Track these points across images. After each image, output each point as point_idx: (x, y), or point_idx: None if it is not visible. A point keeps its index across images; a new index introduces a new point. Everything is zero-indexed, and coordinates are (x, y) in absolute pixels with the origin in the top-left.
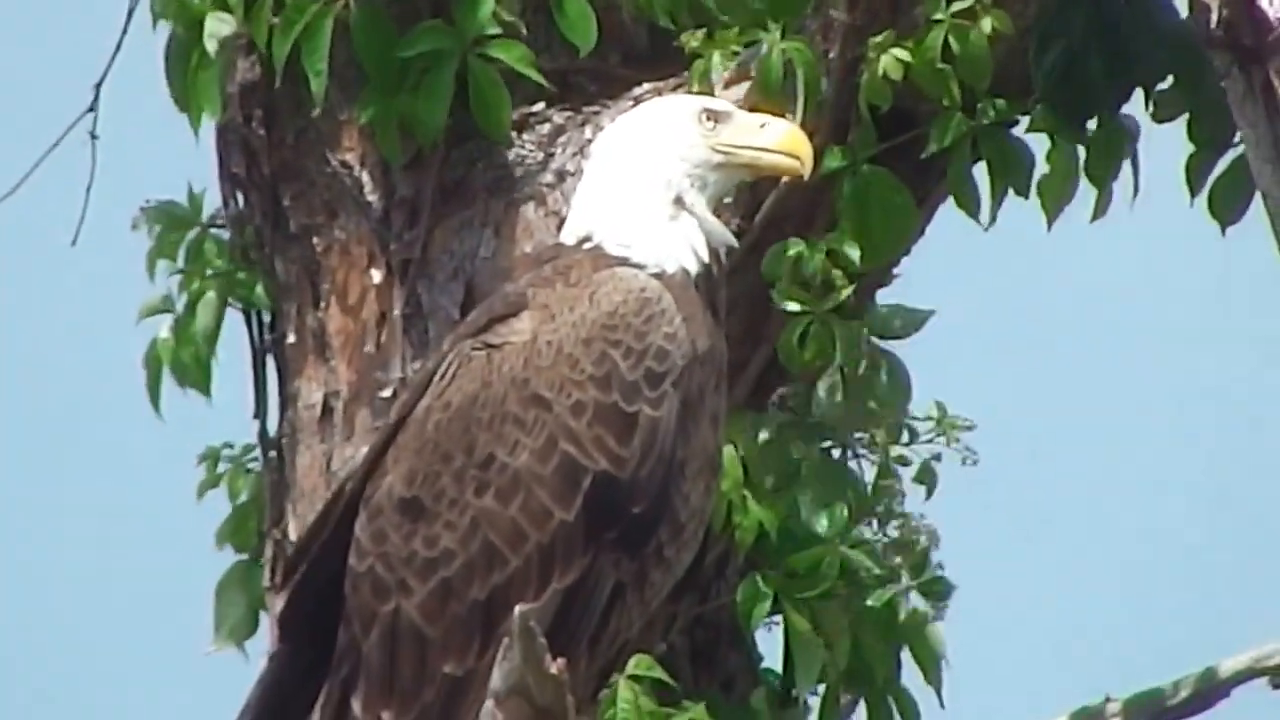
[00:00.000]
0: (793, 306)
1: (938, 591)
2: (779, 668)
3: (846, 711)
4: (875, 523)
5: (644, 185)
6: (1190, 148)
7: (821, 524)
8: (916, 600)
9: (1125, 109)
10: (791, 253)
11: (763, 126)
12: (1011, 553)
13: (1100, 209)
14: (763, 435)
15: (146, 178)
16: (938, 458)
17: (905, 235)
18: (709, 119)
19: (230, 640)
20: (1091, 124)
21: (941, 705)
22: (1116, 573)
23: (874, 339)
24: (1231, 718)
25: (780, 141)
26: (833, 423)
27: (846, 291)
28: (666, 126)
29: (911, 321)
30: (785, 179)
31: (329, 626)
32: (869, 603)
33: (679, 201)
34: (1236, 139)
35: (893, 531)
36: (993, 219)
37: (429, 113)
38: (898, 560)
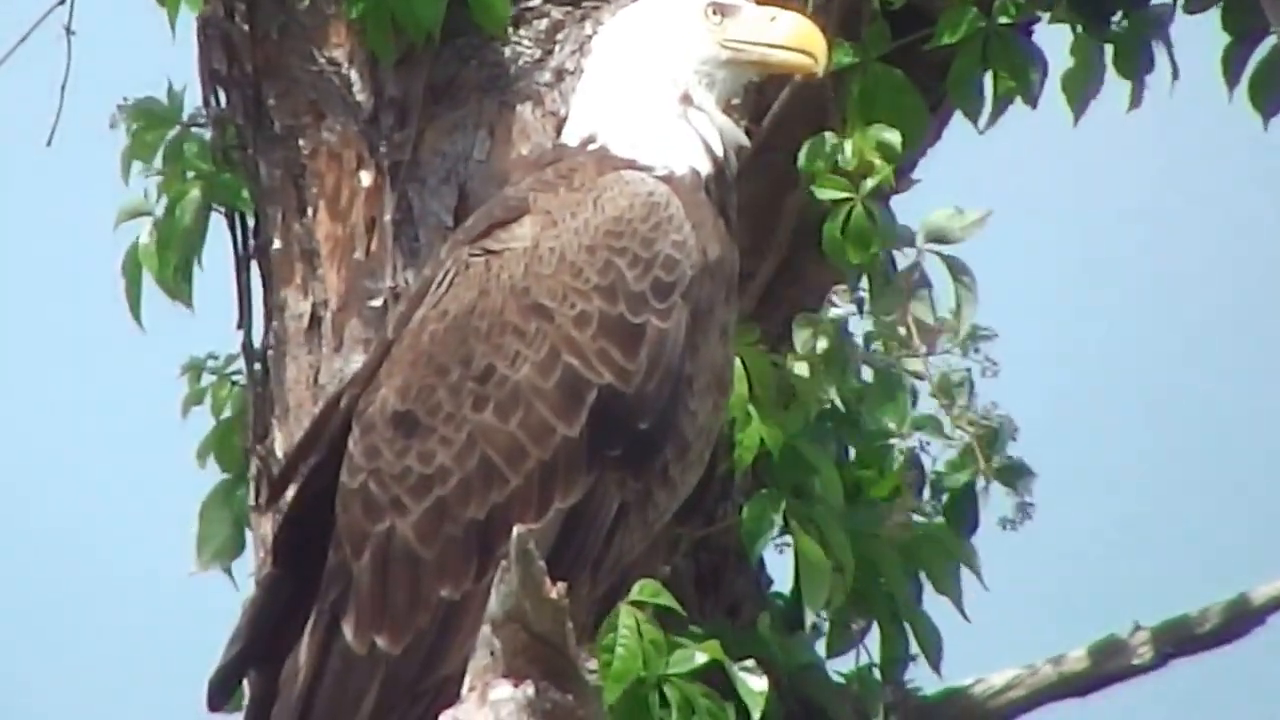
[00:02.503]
0: (831, 194)
1: (1018, 478)
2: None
3: (858, 637)
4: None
5: (649, 83)
6: (1225, 40)
7: (889, 424)
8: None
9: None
10: (829, 144)
11: (773, 20)
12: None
13: (1135, 100)
14: (821, 344)
15: (124, 76)
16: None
17: (914, 139)
18: (716, 13)
19: (215, 561)
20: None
21: (965, 617)
22: (1146, 495)
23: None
24: (1265, 647)
25: (791, 37)
26: (884, 326)
27: (886, 172)
28: (671, 21)
29: (966, 225)
30: (796, 77)
31: (323, 549)
32: (947, 488)
33: (686, 99)
34: (1272, 28)
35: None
36: (991, 122)
37: (425, 6)
38: (973, 446)
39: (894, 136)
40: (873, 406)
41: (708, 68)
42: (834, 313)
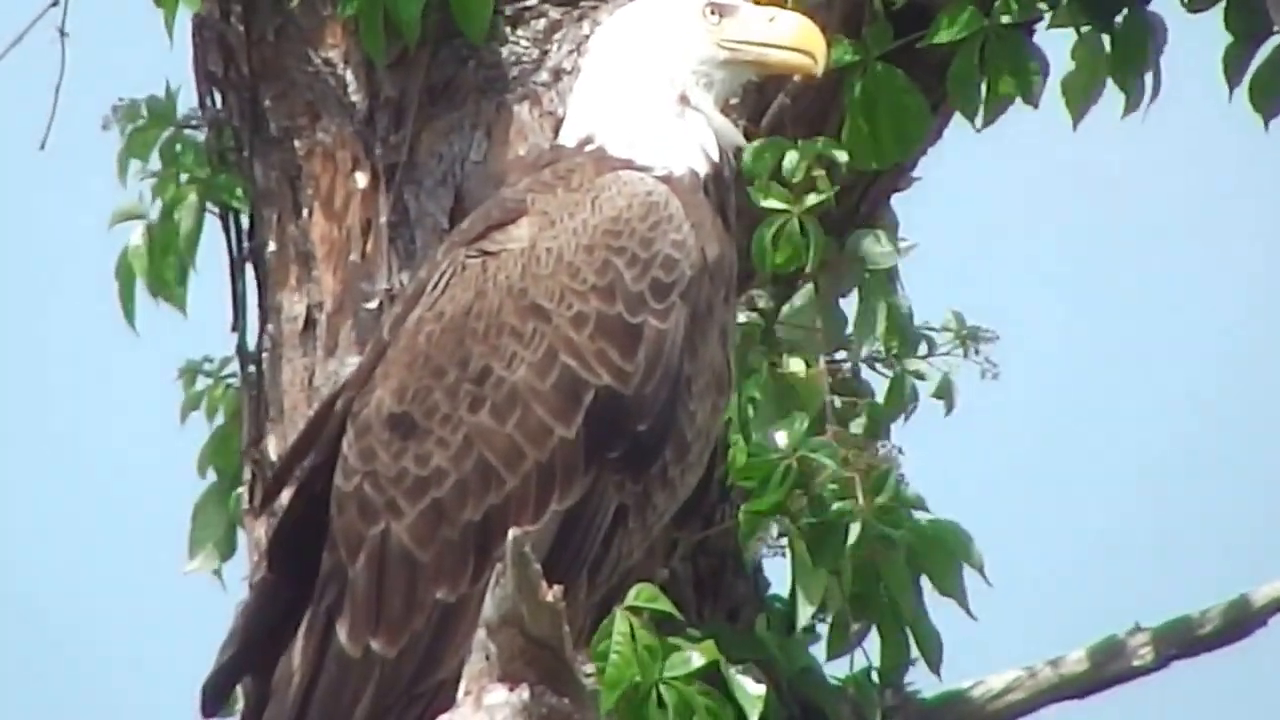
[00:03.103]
0: (770, 203)
1: (894, 520)
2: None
3: (856, 640)
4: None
5: (647, 83)
6: (1227, 39)
7: (778, 437)
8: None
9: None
10: (776, 150)
11: (771, 20)
12: (1035, 472)
13: (1130, 105)
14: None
15: (118, 78)
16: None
17: (915, 139)
18: (714, 12)
19: (207, 563)
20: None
21: (970, 615)
22: (1146, 494)
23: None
24: (1266, 649)
25: (790, 37)
26: (800, 336)
27: (828, 194)
28: (669, 21)
29: (891, 252)
30: (796, 78)
31: (317, 553)
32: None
33: (684, 100)
34: (1276, 28)
35: (852, 457)
36: (987, 122)
37: (406, 8)
38: (854, 480)
39: (841, 154)
40: (763, 420)
41: (706, 68)
42: (741, 318)
